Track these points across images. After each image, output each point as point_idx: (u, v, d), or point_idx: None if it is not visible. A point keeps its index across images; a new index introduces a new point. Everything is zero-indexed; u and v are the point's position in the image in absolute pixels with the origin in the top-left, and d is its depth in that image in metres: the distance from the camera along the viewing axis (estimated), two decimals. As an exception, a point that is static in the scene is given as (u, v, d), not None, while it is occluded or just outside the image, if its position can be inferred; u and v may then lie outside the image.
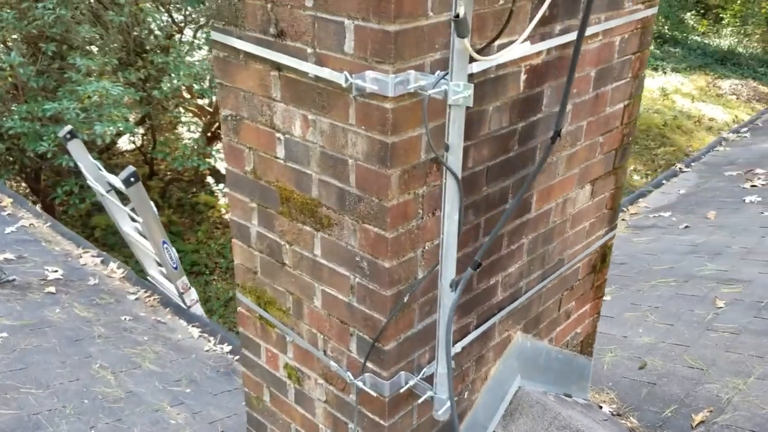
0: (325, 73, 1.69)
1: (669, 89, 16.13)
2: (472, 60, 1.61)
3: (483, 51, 1.69)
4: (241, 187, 2.12)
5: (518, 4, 1.54)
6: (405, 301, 1.81)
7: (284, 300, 2.15)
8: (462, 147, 1.68)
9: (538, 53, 1.93)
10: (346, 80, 1.64)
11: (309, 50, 1.73)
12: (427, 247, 1.84)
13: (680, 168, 6.16)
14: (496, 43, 1.79)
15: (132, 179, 3.54)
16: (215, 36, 1.96)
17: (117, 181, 3.73)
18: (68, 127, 3.99)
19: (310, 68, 1.73)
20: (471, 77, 1.71)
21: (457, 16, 1.41)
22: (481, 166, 1.91)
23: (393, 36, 1.53)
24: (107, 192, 4.15)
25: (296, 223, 1.99)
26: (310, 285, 2.03)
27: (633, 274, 4.36)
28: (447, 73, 1.58)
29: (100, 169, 4.10)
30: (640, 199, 5.61)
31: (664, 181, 5.95)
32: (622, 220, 5.21)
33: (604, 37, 2.15)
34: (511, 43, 1.73)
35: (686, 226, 4.90)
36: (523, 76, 1.92)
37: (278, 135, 1.92)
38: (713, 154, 6.48)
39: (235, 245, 2.26)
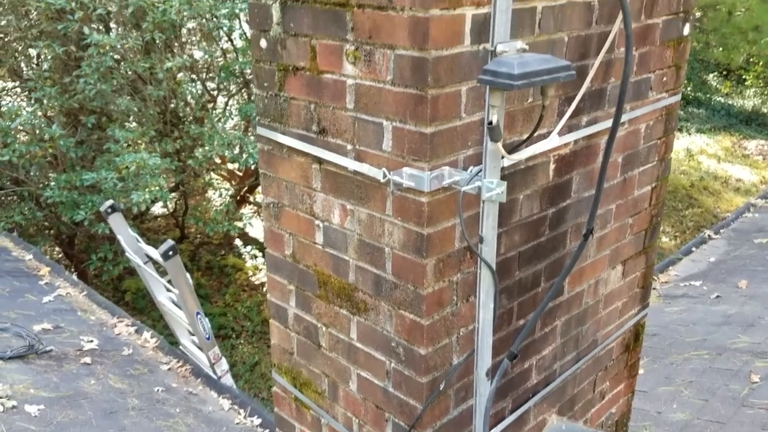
0: (364, 168, 1.78)
1: (694, 150, 16.13)
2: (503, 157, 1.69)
3: (514, 149, 1.76)
4: (280, 270, 2.19)
5: (548, 100, 1.63)
6: (441, 388, 1.84)
7: (320, 382, 2.18)
8: (496, 238, 1.74)
9: (566, 144, 2.01)
10: (384, 176, 1.72)
11: (349, 147, 1.82)
12: (462, 333, 1.88)
13: (709, 235, 6.13)
14: (526, 137, 1.87)
15: (170, 253, 3.67)
16: (261, 131, 2.07)
17: (155, 254, 3.86)
18: (109, 202, 4.15)
19: (350, 163, 1.82)
20: (502, 169, 1.78)
21: (491, 123, 1.49)
22: (513, 252, 1.96)
23: (429, 137, 1.62)
24: (144, 263, 4.28)
25: (333, 307, 2.05)
26: (345, 368, 2.07)
27: (666, 346, 4.31)
28: (480, 170, 1.66)
29: (139, 241, 4.24)
30: (671, 267, 5.58)
31: (693, 248, 5.92)
32: (653, 288, 5.18)
33: (629, 125, 2.22)
34: (540, 134, 1.81)
35: (718, 296, 4.85)
36: (552, 166, 1.99)
37: (317, 222, 2.01)
38: (742, 220, 6.45)
39: (272, 326, 2.31)
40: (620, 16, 1.60)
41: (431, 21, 1.54)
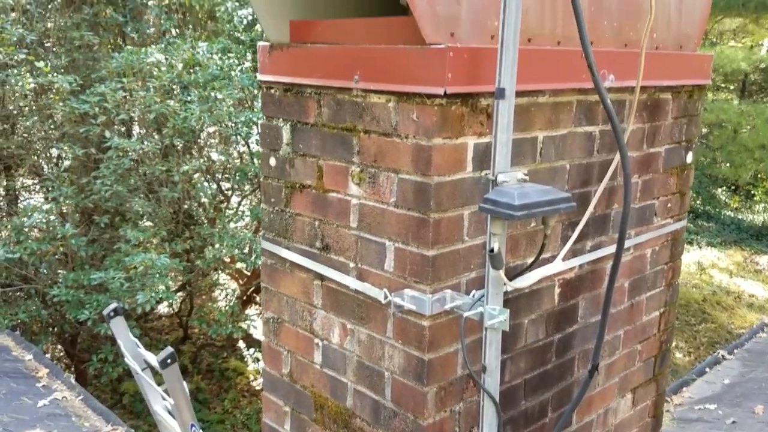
0: (366, 288, 1.76)
1: (705, 264, 16.03)
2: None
3: (517, 275, 1.75)
4: (276, 390, 2.13)
5: (549, 230, 1.63)
6: None
7: None
8: (499, 367, 1.69)
9: (572, 268, 1.99)
10: (385, 297, 1.70)
11: (351, 265, 1.81)
12: (463, 466, 1.79)
13: (723, 355, 5.96)
14: (529, 260, 1.85)
15: (169, 361, 3.58)
16: (265, 245, 2.07)
17: (154, 361, 3.77)
18: (113, 305, 4.10)
19: (352, 282, 1.80)
20: (507, 293, 1.76)
21: (492, 250, 1.49)
22: (518, 380, 1.90)
23: (431, 260, 1.61)
24: (142, 370, 4.18)
25: None
26: (340, 498, 1.96)
27: (681, 475, 4.08)
28: (483, 296, 1.63)
29: (138, 347, 4.16)
30: (684, 388, 5.39)
31: (707, 369, 5.74)
32: (667, 411, 4.98)
33: (635, 250, 2.21)
34: (545, 258, 1.80)
35: (734, 422, 4.64)
36: (557, 290, 1.97)
37: (317, 340, 1.97)
38: (756, 340, 6.29)
39: (266, 447, 2.22)
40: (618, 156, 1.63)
41: (434, 149, 1.57)
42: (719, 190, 20.38)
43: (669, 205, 2.30)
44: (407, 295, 1.66)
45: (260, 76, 2.02)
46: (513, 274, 1.74)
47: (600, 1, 1.91)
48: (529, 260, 1.84)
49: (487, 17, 1.65)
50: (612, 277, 1.74)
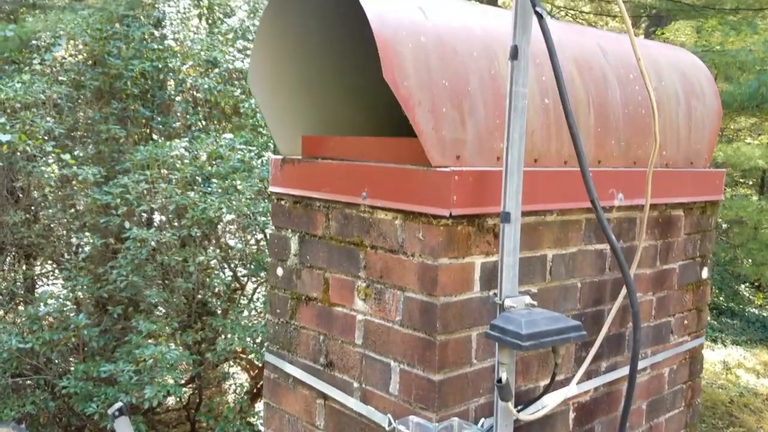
0: (369, 411, 1.70)
1: (731, 363, 15.50)
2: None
3: (529, 402, 1.68)
4: None
5: (560, 358, 1.57)
6: None
7: None
8: (507, 501, 1.60)
9: (586, 391, 1.91)
10: (390, 423, 1.63)
11: (355, 384, 1.76)
12: None
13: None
14: (542, 383, 1.79)
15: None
16: (268, 358, 2.03)
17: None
18: (118, 404, 4.04)
19: (355, 404, 1.74)
20: (518, 420, 1.68)
21: (500, 381, 1.43)
22: None
23: (437, 385, 1.56)
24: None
25: None
26: None
27: None
28: (492, 426, 1.56)
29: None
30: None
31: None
32: None
33: (652, 370, 2.13)
34: (558, 380, 1.73)
35: None
36: (572, 414, 1.88)
37: (318, 462, 1.88)
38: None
39: None
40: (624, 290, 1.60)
41: (440, 269, 1.55)
42: (742, 286, 19.99)
43: (686, 322, 2.23)
44: (412, 422, 1.59)
45: (271, 188, 2.04)
46: (525, 400, 1.67)
47: (606, 120, 1.93)
48: (542, 383, 1.78)
49: (492, 140, 1.67)
50: (628, 399, 1.66)
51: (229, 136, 7.96)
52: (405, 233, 1.64)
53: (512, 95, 1.46)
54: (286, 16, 1.92)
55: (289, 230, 1.97)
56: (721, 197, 2.26)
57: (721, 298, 18.99)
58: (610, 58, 2.00)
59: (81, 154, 7.53)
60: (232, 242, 9.03)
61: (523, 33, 1.42)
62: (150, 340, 6.74)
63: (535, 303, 1.50)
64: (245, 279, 9.69)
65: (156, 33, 8.75)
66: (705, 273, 2.28)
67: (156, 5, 9.07)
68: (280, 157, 2.02)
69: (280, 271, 2.02)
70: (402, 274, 1.64)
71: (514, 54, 1.43)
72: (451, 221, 1.55)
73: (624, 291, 1.90)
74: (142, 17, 8.96)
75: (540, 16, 1.32)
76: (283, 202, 2.00)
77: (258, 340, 8.00)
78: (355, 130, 2.11)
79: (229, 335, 7.26)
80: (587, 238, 1.87)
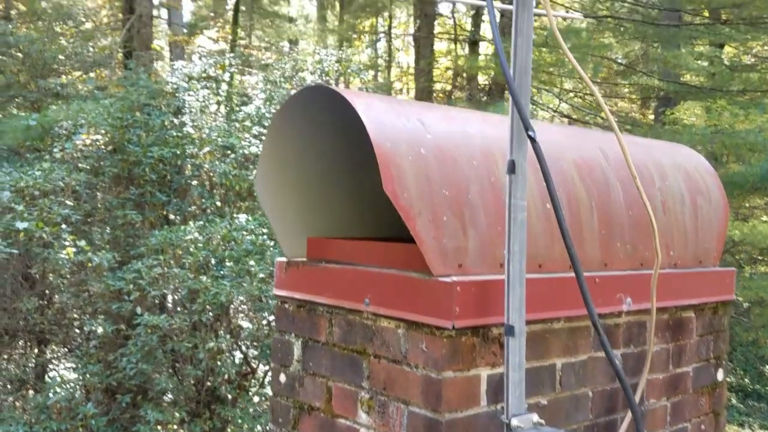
0: None
1: (761, 450, 14.83)
2: None
3: None
4: None
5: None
6: None
7: None
8: None
9: (600, 506, 1.82)
10: None
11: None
12: None
13: None
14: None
15: None
16: (268, 469, 1.97)
17: None
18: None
19: None
20: None
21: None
22: None
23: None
24: None
25: None
26: None
27: None
28: None
29: None
30: None
31: None
32: None
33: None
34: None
35: None
36: None
37: None
38: None
39: None
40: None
41: (444, 383, 1.52)
42: (767, 367, 19.38)
43: (703, 427, 2.15)
44: None
45: (276, 291, 2.04)
46: None
47: (611, 222, 1.93)
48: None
49: (495, 247, 1.66)
50: None
51: (243, 217, 8.06)
52: (408, 343, 1.61)
53: (511, 208, 1.46)
54: (291, 128, 1.97)
55: (293, 335, 1.95)
56: (732, 297, 2.22)
57: (746, 380, 18.39)
58: (612, 161, 2.01)
59: (97, 240, 7.63)
60: (243, 323, 8.97)
61: (520, 149, 1.44)
62: (159, 426, 6.60)
63: (543, 422, 1.45)
64: (256, 362, 9.55)
65: (175, 121, 9.02)
66: (720, 375, 2.21)
67: (176, 94, 9.38)
68: (284, 259, 2.02)
69: (282, 378, 1.98)
70: (406, 386, 1.61)
71: (512, 168, 1.45)
72: (455, 333, 1.53)
73: (637, 398, 1.84)
74: (162, 106, 9.26)
75: (533, 140, 1.34)
76: (286, 306, 1.99)
77: (268, 428, 7.80)
78: (362, 227, 2.12)
79: (239, 419, 7.10)
80: (597, 344, 1.82)
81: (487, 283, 1.57)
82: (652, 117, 14.03)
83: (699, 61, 10.99)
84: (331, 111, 1.95)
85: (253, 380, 9.32)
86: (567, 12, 10.67)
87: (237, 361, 8.54)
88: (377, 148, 1.57)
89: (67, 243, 6.97)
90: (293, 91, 9.44)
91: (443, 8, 14.84)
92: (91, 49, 11.95)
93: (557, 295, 1.72)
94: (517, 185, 1.46)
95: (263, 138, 8.39)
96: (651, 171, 2.10)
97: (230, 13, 15.32)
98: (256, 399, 8.26)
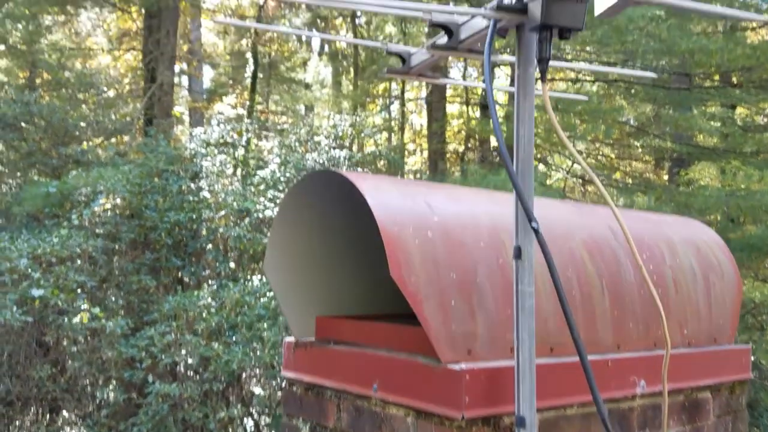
0: None
1: None
2: None
3: None
4: None
5: None
6: None
7: None
8: None
9: None
10: None
11: None
12: None
13: None
14: None
15: None
16: None
17: None
18: None
19: None
20: None
21: None
22: None
23: None
24: None
25: None
26: None
27: None
28: None
29: None
30: None
31: None
32: None
33: None
34: None
35: None
36: None
37: None
38: None
39: None
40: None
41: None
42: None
43: None
44: None
45: (284, 373, 2.02)
46: None
47: (623, 302, 1.91)
48: None
49: (505, 331, 1.65)
50: None
51: (257, 280, 8.05)
52: None
53: (518, 294, 1.45)
54: (299, 213, 2.00)
55: (301, 419, 1.92)
56: (749, 376, 2.16)
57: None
58: (621, 239, 2.00)
59: (111, 305, 7.64)
60: (256, 389, 8.85)
61: (526, 235, 1.44)
62: (167, 502, 6.43)
63: None
64: (267, 430, 9.36)
65: (192, 185, 9.15)
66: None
67: (194, 159, 9.54)
68: (293, 340, 2.01)
69: (290, 464, 1.95)
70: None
71: (518, 254, 1.45)
72: (465, 423, 1.50)
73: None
74: (180, 171, 9.40)
75: (536, 231, 1.34)
76: (294, 388, 1.97)
77: None
78: (372, 302, 2.11)
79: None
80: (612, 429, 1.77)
81: (497, 371, 1.55)
82: (666, 177, 14.02)
83: (711, 122, 11.05)
84: (338, 191, 1.98)
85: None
86: (576, 77, 10.83)
87: (249, 430, 8.39)
88: (384, 232, 1.59)
89: (82, 308, 6.99)
90: (308, 155, 9.58)
91: (454, 73, 15.14)
92: (112, 117, 12.26)
93: (570, 380, 1.69)
94: (524, 271, 1.45)
95: (278, 202, 8.49)
96: (662, 248, 2.09)
97: (248, 80, 15.73)
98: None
